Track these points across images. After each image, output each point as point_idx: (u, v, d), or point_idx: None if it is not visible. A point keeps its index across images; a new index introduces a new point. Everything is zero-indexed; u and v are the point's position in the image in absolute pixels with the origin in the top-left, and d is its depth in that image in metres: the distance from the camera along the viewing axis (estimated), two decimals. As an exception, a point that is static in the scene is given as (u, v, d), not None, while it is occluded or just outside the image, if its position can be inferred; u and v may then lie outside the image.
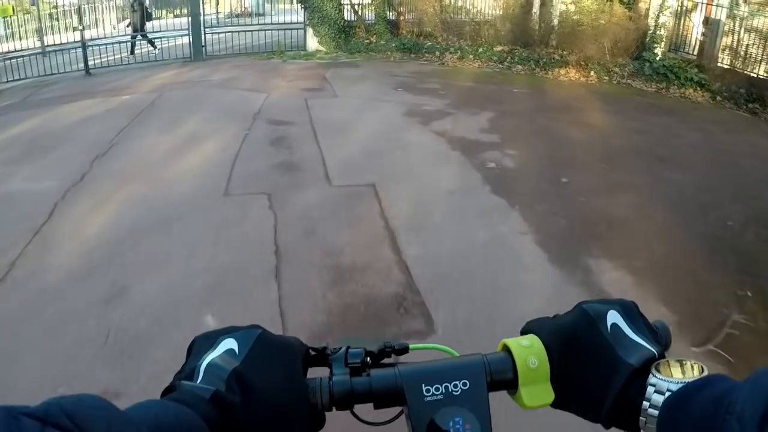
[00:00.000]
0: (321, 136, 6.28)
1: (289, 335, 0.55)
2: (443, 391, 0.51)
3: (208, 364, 0.47)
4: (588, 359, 0.51)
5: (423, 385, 0.51)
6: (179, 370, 0.49)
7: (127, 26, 13.71)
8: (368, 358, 0.55)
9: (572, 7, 11.42)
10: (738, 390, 0.38)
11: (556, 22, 11.57)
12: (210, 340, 0.50)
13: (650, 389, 0.47)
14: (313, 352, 0.56)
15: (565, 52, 10.96)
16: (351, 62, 11.81)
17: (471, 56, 11.71)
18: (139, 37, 12.80)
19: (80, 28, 11.58)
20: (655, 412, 0.45)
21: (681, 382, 0.45)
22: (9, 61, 10.68)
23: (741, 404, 0.36)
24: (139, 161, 5.58)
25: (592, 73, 10.28)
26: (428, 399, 0.51)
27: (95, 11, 15.22)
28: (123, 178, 5.10)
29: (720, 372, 0.47)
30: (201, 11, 12.58)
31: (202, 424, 0.41)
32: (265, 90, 8.77)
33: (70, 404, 0.31)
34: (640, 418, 0.46)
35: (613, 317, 0.52)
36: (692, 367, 0.47)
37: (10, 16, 12.01)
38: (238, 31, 13.18)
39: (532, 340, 0.55)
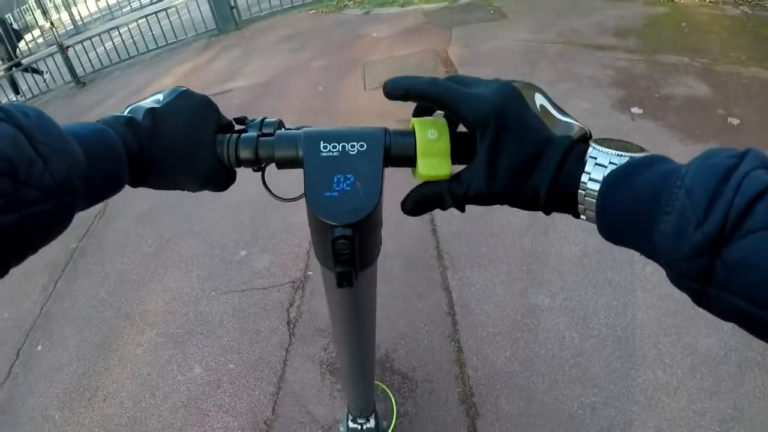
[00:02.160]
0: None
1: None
2: (340, 149, 0.52)
3: (134, 106, 0.53)
4: (518, 137, 0.47)
5: (321, 142, 0.53)
6: None
7: None
8: (282, 129, 0.58)
9: None
10: (686, 167, 0.36)
11: None
12: (142, 99, 0.55)
13: (590, 162, 0.44)
14: (236, 124, 0.59)
15: None
16: (483, 5, 6.54)
17: (688, -23, 6.13)
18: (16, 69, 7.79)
19: (48, 23, 7.17)
20: (596, 186, 0.43)
21: (625, 155, 0.43)
22: None
23: (690, 179, 0.35)
24: None
25: None
26: (324, 154, 0.52)
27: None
28: None
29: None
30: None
31: (117, 139, 0.47)
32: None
33: (8, 104, 0.37)
34: (579, 191, 0.45)
35: (540, 99, 0.50)
36: (632, 145, 0.46)
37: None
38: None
39: (438, 118, 0.54)
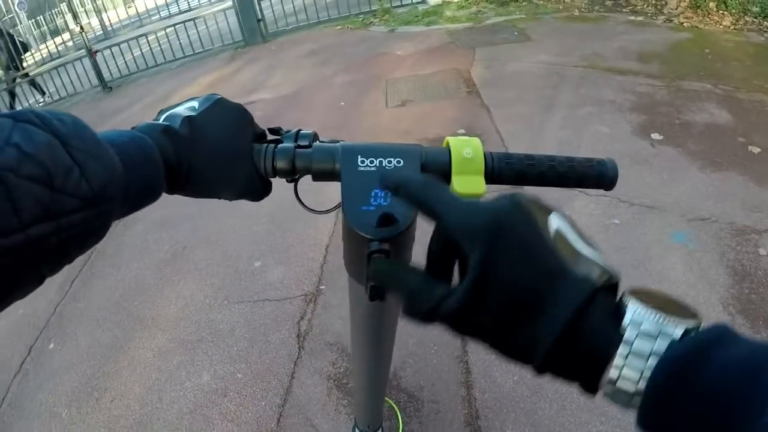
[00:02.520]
0: None
1: None
2: (377, 164, 0.53)
3: (170, 114, 0.52)
4: (519, 262, 0.35)
5: (359, 156, 0.54)
6: None
7: None
8: (317, 141, 0.59)
9: None
10: None
11: None
12: (175, 104, 0.55)
13: (630, 331, 0.32)
14: (270, 134, 0.60)
15: None
16: (508, 26, 6.55)
17: (712, 3, 6.05)
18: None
19: (78, 27, 7.31)
20: (640, 364, 0.31)
21: (674, 322, 0.31)
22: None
23: None
24: None
25: None
26: (361, 168, 0.53)
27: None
28: None
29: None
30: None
31: (153, 147, 0.46)
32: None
33: (44, 111, 0.37)
34: (612, 371, 0.32)
35: (557, 221, 0.38)
36: (680, 306, 0.33)
37: None
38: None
39: (473, 140, 0.55)
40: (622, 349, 0.32)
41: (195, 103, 0.55)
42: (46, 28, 9.56)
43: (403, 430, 2.04)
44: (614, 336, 0.33)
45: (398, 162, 0.54)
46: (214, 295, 2.85)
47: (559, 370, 0.36)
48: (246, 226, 3.37)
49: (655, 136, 3.66)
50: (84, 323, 2.84)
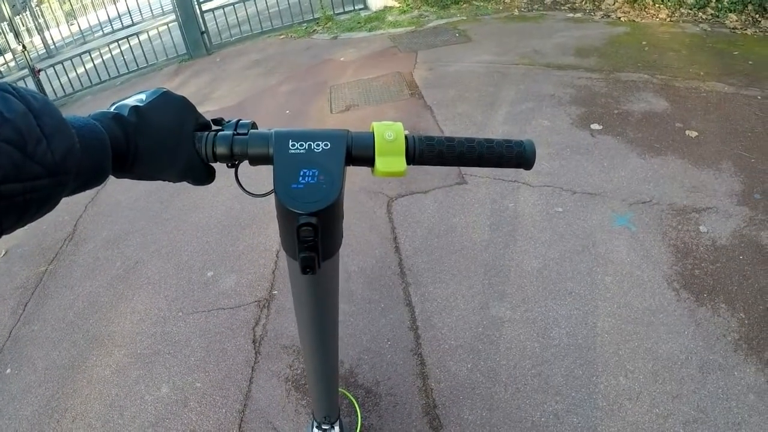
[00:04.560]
0: None
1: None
2: (306, 147, 0.59)
3: (120, 104, 0.59)
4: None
5: (290, 141, 0.60)
6: None
7: None
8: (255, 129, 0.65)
9: None
10: None
11: None
12: (125, 97, 0.62)
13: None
14: (214, 124, 0.67)
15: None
16: (449, 28, 6.67)
17: None
18: None
19: (20, 47, 7.10)
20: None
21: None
22: None
23: None
24: None
25: None
26: (292, 151, 0.59)
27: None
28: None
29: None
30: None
31: (104, 132, 0.52)
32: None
33: (19, 87, 0.42)
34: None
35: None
36: None
37: None
38: (254, -3, 8.01)
39: (395, 123, 0.62)
40: None
41: (143, 96, 0.61)
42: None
43: (362, 424, 2.07)
44: None
45: (326, 145, 0.59)
46: (169, 308, 2.84)
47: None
48: (196, 237, 3.36)
49: (595, 126, 3.79)
50: (40, 345, 2.79)
